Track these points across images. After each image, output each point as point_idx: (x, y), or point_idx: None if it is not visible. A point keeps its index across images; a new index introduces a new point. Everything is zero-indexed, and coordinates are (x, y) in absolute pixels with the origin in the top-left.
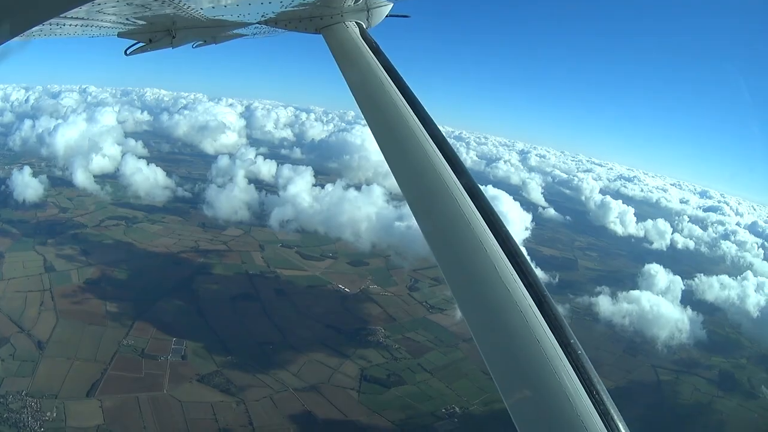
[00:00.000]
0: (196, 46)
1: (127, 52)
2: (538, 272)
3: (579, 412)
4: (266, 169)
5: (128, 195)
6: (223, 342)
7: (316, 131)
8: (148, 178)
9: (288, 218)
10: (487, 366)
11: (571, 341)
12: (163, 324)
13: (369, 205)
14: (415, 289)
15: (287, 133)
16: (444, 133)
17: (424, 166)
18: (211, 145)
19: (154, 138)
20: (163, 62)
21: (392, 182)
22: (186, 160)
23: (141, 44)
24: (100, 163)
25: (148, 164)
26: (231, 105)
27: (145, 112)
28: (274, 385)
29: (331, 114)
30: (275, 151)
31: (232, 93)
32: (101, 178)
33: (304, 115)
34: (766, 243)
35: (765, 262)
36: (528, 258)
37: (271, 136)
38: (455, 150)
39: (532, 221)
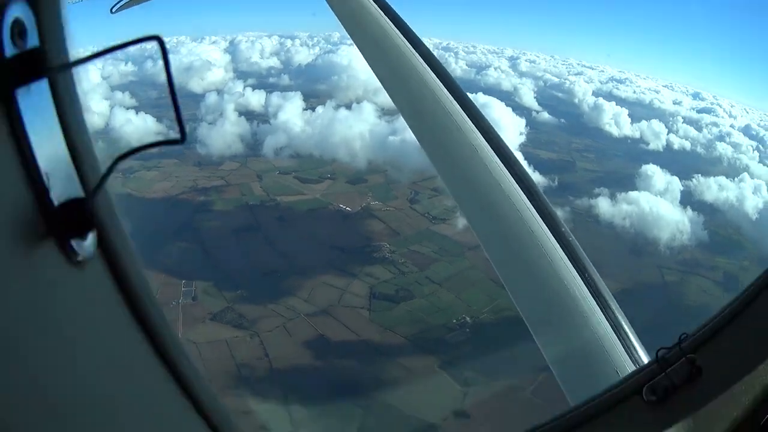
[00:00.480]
0: None
1: (113, 10)
2: (538, 176)
3: (583, 308)
4: (256, 99)
5: (122, 147)
6: (230, 277)
7: (303, 56)
8: (138, 128)
9: (282, 145)
10: (496, 269)
11: (570, 238)
12: (171, 268)
13: (361, 122)
14: (416, 201)
15: (274, 62)
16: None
17: (416, 80)
18: (198, 84)
19: (141, 87)
20: (142, 14)
21: (383, 98)
22: None
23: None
24: (89, 120)
25: (137, 113)
26: (214, 42)
27: (129, 63)
28: (285, 313)
29: (316, 37)
30: (263, 81)
31: (214, 31)
32: (93, 136)
33: (289, 42)
34: (760, 146)
35: (760, 164)
36: (521, 161)
37: (258, 66)
38: (442, 65)
39: (526, 126)
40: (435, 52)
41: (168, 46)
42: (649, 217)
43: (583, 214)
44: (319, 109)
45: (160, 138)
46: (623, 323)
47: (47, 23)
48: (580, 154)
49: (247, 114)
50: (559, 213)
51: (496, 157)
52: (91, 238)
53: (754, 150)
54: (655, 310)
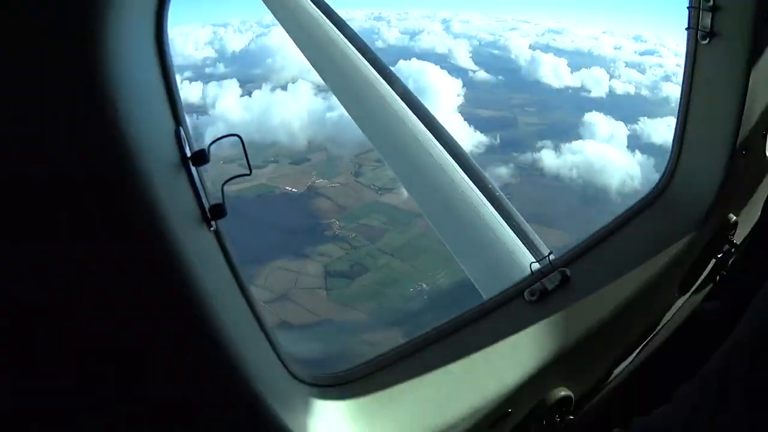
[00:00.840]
0: None
1: None
2: (480, 135)
3: (502, 239)
4: (193, 92)
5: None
6: None
7: (236, 42)
8: None
9: (223, 134)
10: (428, 219)
11: (489, 186)
12: None
13: (297, 102)
14: (360, 174)
15: (209, 51)
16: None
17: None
18: None
19: None
20: None
21: (317, 75)
22: None
23: None
24: None
25: None
26: None
27: None
28: None
29: (249, 22)
30: (200, 72)
31: None
32: None
33: (222, 30)
34: None
35: None
36: (460, 122)
37: (194, 58)
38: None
39: (463, 86)
40: (367, 23)
41: None
42: (597, 165)
43: (528, 169)
44: (256, 93)
45: None
46: (526, 230)
47: None
48: (521, 109)
49: (187, 107)
50: (503, 170)
51: (421, 123)
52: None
53: None
54: None
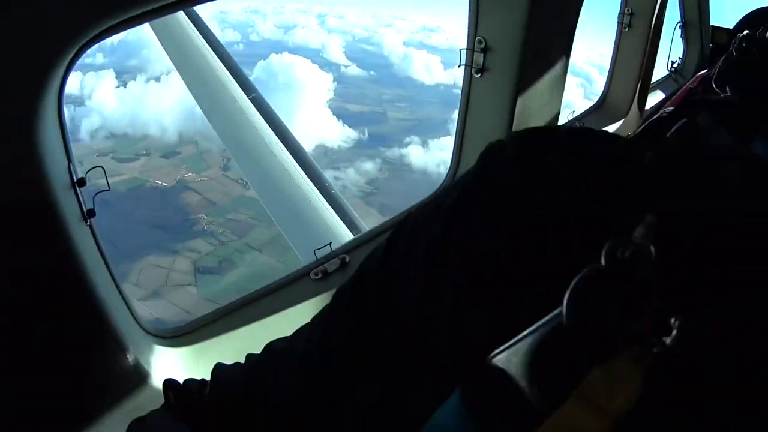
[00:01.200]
0: None
1: None
2: (348, 130)
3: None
4: (71, 82)
5: None
6: None
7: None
8: None
9: (97, 127)
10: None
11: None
12: None
13: (170, 94)
14: (228, 168)
15: None
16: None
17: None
18: None
19: None
20: None
21: None
22: None
23: None
24: None
25: None
26: None
27: None
28: None
29: None
30: (79, 62)
31: None
32: None
33: None
34: (586, 82)
35: (585, 100)
36: (328, 117)
37: None
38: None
39: (333, 81)
40: (243, 16)
41: None
42: None
43: (396, 164)
44: (131, 84)
45: None
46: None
47: None
48: (391, 104)
49: (65, 98)
50: (370, 165)
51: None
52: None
53: (578, 87)
54: None
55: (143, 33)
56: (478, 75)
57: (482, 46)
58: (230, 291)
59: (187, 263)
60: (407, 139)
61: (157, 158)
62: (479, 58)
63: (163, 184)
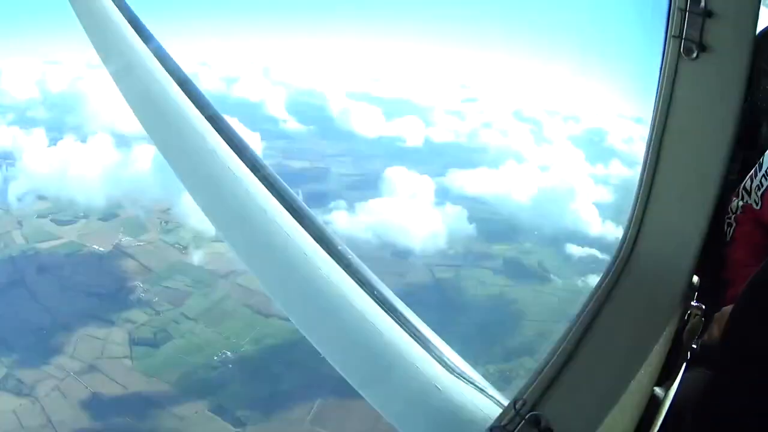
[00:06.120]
0: None
1: None
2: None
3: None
4: (9, 138)
5: None
6: (5, 341)
7: (60, 84)
8: None
9: (33, 187)
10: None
11: (339, 247)
12: None
13: (100, 155)
14: (167, 231)
15: (34, 92)
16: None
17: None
18: None
19: None
20: None
21: (121, 126)
22: None
23: None
24: None
25: None
26: None
27: None
28: (57, 373)
29: (80, 60)
30: (22, 115)
31: None
32: None
33: (51, 67)
34: (535, 127)
35: (536, 146)
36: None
37: (19, 99)
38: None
39: (262, 140)
40: (191, 67)
41: None
42: (398, 223)
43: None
44: (61, 143)
45: None
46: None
47: None
48: (334, 159)
49: (3, 156)
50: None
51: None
52: None
53: (528, 133)
54: (431, 309)
55: (82, 85)
56: (693, 55)
57: (702, 6)
58: (167, 363)
59: (123, 334)
60: (332, 204)
61: (95, 221)
62: (695, 26)
63: (100, 248)
